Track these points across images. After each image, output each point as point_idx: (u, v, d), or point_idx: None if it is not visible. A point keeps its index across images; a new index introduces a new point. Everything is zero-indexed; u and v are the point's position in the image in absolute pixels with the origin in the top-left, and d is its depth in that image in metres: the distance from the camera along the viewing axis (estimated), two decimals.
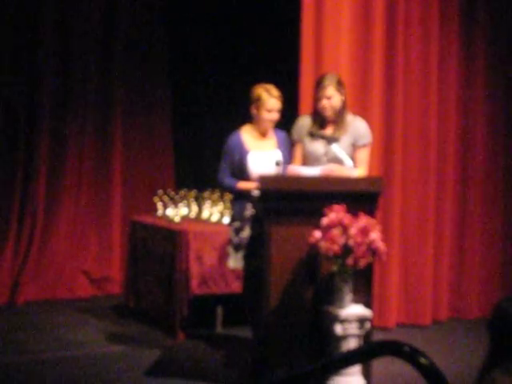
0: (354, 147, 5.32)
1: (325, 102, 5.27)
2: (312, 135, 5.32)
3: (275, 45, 8.38)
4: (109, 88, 8.62)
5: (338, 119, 5.33)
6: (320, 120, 5.35)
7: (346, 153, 5.20)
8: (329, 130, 5.34)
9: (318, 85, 5.31)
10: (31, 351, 6.09)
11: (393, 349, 2.37)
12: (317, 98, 5.31)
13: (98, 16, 8.51)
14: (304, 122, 5.45)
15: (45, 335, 6.57)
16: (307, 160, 5.35)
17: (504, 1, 7.48)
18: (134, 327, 6.88)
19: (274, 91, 5.51)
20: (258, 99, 5.49)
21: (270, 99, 5.48)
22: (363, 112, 6.28)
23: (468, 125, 7.43)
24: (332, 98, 5.27)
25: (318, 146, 5.30)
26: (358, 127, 5.37)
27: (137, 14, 8.81)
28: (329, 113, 5.30)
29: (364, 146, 5.36)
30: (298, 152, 5.43)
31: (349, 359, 2.55)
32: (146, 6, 8.89)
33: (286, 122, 5.64)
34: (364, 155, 5.37)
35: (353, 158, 5.25)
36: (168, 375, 5.55)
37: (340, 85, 5.32)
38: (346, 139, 5.29)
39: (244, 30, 8.79)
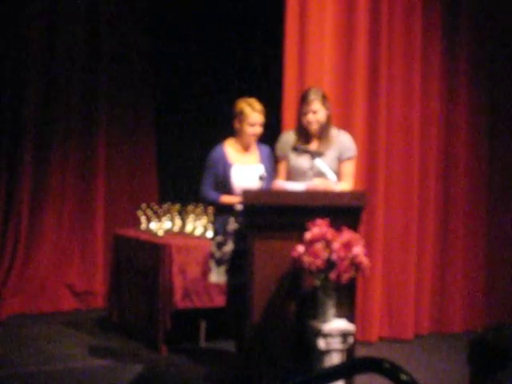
0: (340, 161, 5.34)
1: (311, 117, 5.28)
2: (296, 150, 5.32)
3: (259, 59, 8.41)
4: (93, 102, 8.61)
5: (323, 134, 5.34)
6: (304, 135, 5.36)
7: (331, 167, 5.21)
8: (313, 145, 5.35)
9: (304, 99, 5.32)
10: (13, 364, 6.05)
11: (373, 365, 2.38)
12: (302, 113, 5.32)
13: (82, 29, 8.51)
14: (288, 137, 5.46)
15: (27, 348, 6.53)
16: (293, 175, 5.35)
17: (486, 13, 7.53)
18: (116, 341, 6.85)
19: (257, 105, 5.52)
20: (241, 113, 5.50)
21: (252, 113, 5.49)
22: (346, 125, 6.30)
23: (451, 139, 7.45)
24: (318, 113, 5.28)
25: (303, 161, 5.31)
26: (342, 141, 5.39)
27: (120, 29, 8.81)
28: (314, 127, 5.31)
29: (349, 159, 5.38)
30: (282, 168, 5.44)
31: (330, 375, 2.56)
32: (129, 20, 8.89)
33: (269, 136, 5.65)
34: (349, 168, 5.38)
35: (338, 172, 5.27)
36: None
37: (325, 99, 5.34)
38: (331, 153, 5.30)
39: (227, 44, 8.80)
